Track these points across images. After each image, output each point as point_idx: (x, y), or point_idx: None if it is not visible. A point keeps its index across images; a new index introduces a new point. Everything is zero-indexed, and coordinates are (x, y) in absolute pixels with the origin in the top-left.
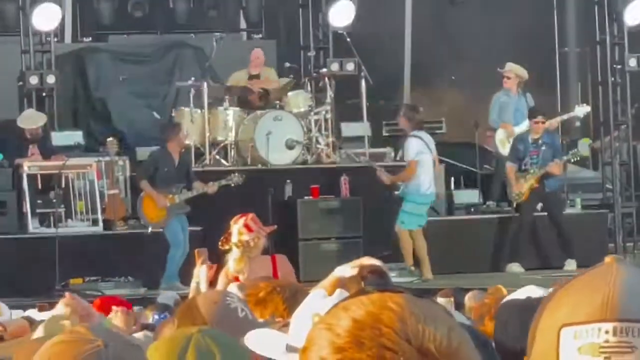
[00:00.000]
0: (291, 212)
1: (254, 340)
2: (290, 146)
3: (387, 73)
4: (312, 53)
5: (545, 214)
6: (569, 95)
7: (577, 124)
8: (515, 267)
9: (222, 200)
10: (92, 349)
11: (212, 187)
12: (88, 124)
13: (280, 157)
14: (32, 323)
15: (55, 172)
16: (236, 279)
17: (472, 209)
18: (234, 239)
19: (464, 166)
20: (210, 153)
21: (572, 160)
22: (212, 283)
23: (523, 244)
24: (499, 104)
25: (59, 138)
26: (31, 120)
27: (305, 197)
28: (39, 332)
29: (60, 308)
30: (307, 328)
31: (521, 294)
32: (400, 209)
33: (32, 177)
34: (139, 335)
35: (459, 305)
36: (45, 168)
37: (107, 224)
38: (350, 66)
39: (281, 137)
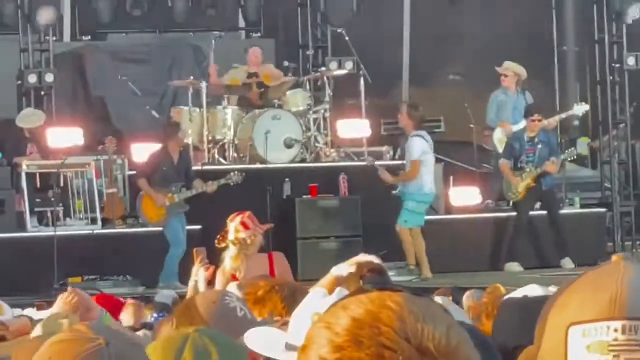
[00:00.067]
0: (290, 211)
1: (253, 338)
2: (288, 145)
3: (386, 72)
4: (310, 52)
5: (544, 212)
6: (568, 94)
7: (576, 122)
8: (513, 266)
9: (221, 199)
10: (93, 347)
11: (211, 186)
12: (86, 123)
13: (278, 155)
14: (32, 322)
15: (53, 171)
16: (233, 276)
17: (470, 208)
18: (231, 236)
19: (462, 165)
20: (209, 152)
21: (569, 159)
22: (210, 282)
23: (521, 243)
24: (496, 102)
25: (57, 137)
26: (30, 119)
27: (304, 196)
28: (37, 331)
29: (60, 304)
30: (307, 327)
31: (522, 292)
32: (402, 208)
33: (30, 176)
34: (137, 334)
35: (457, 304)
36: (43, 167)
37: (106, 223)
38: (348, 65)
39: (280, 136)
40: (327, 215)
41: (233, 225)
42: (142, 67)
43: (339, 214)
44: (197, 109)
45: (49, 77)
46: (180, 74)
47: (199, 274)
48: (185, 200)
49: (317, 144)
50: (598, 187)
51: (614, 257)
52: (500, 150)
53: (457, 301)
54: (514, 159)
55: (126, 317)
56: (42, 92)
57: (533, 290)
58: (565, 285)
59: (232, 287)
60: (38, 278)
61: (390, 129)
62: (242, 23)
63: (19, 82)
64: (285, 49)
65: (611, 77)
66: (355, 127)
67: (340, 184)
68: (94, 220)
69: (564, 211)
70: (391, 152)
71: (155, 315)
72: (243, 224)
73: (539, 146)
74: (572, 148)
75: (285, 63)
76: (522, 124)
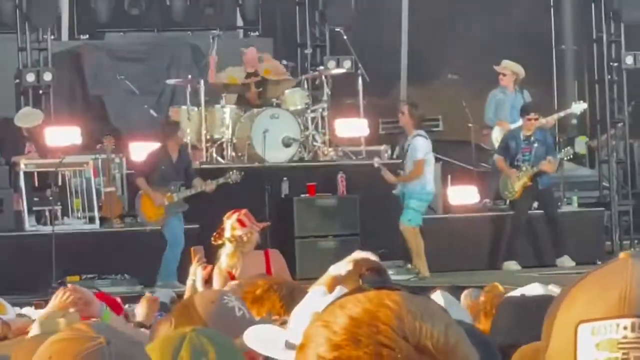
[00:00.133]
0: (288, 210)
1: (253, 337)
2: (287, 144)
3: (384, 71)
4: (309, 51)
5: (542, 211)
6: (566, 93)
7: (574, 121)
8: (511, 265)
9: (219, 197)
10: (94, 346)
11: (210, 185)
12: (84, 122)
13: (277, 154)
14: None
15: (51, 170)
16: (230, 274)
17: (468, 207)
18: (227, 234)
19: (460, 164)
20: (207, 151)
21: (566, 158)
22: (207, 281)
23: (519, 242)
24: (495, 101)
25: (55, 136)
26: (28, 119)
27: (302, 195)
28: (34, 330)
29: (54, 303)
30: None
31: (523, 291)
32: (406, 207)
33: (28, 175)
34: (141, 331)
35: None
36: (41, 166)
37: (104, 222)
38: (347, 64)
39: (278, 135)
40: (325, 214)
41: (229, 222)
42: (140, 66)
43: (337, 213)
44: (195, 108)
45: (47, 76)
46: (178, 73)
47: (196, 273)
48: (185, 200)
49: (315, 143)
50: (596, 186)
51: (621, 255)
52: None
53: None
54: (510, 158)
55: (140, 310)
56: (41, 91)
57: (533, 289)
58: (572, 283)
59: (231, 286)
60: (36, 277)
61: (388, 128)
62: (240, 22)
63: (17, 81)
64: (283, 48)
65: (609, 76)
66: (353, 126)
67: (338, 183)
68: (92, 219)
69: (562, 210)
70: (389, 152)
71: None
72: (239, 221)
73: (535, 145)
74: (569, 147)
75: (284, 62)
76: (520, 122)
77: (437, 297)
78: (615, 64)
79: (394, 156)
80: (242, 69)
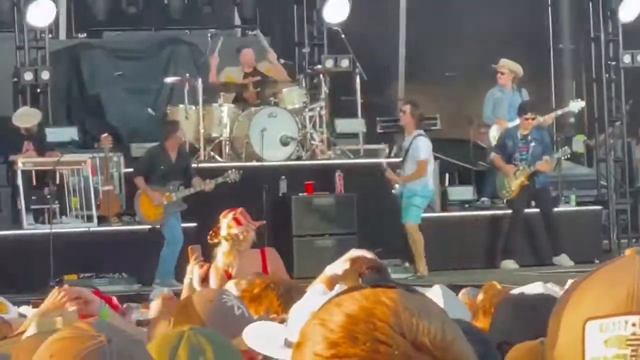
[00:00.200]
0: (285, 209)
1: (252, 334)
2: (284, 142)
3: (382, 69)
4: (306, 49)
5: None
6: (564, 92)
7: (572, 120)
8: (509, 264)
9: (217, 196)
10: (95, 344)
11: (208, 185)
12: (82, 120)
13: (274, 153)
14: None
15: (49, 169)
16: (226, 272)
17: (466, 206)
18: (223, 232)
19: (458, 162)
20: (204, 149)
21: (563, 158)
22: (204, 280)
23: (517, 241)
24: (492, 100)
25: (53, 134)
26: (26, 118)
27: (300, 194)
28: (31, 330)
29: (48, 303)
30: None
31: (526, 290)
32: (409, 205)
33: (26, 174)
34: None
35: None
36: (39, 164)
37: (102, 220)
38: (344, 62)
39: (276, 134)
40: (322, 213)
41: (225, 221)
42: (137, 65)
43: (334, 212)
44: (193, 107)
45: (45, 75)
46: (176, 71)
47: (193, 271)
48: (183, 199)
49: (313, 142)
50: (594, 184)
51: (627, 252)
52: None
53: None
54: (507, 157)
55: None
56: (38, 90)
57: (535, 288)
58: (578, 281)
59: (230, 286)
60: (34, 275)
61: (386, 127)
62: (237, 21)
63: (15, 79)
64: (281, 46)
65: (607, 75)
66: (351, 125)
67: (336, 181)
68: (89, 218)
69: (560, 209)
70: (387, 150)
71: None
72: (235, 220)
73: (532, 144)
74: (566, 147)
75: (281, 61)
76: (518, 121)
77: (436, 290)
78: (613, 63)
79: (392, 154)
80: (240, 69)
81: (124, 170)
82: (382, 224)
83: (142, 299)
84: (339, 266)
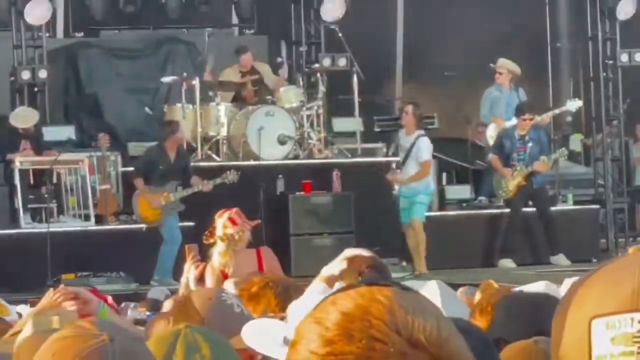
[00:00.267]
0: (283, 208)
1: (251, 332)
2: (282, 141)
3: (379, 68)
4: (304, 48)
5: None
6: (561, 90)
7: (569, 119)
8: (507, 263)
9: (214, 195)
10: (98, 343)
11: (207, 186)
12: (80, 119)
13: (272, 152)
14: None
15: (47, 168)
16: (222, 272)
17: (464, 205)
18: (219, 232)
19: (456, 161)
20: (202, 148)
21: (562, 159)
22: (200, 280)
23: (515, 240)
24: (490, 99)
25: (50, 133)
26: (23, 119)
27: (297, 193)
28: (27, 329)
29: (44, 303)
30: None
31: (529, 288)
32: (414, 203)
33: (24, 173)
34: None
35: None
36: (37, 163)
37: (99, 219)
38: (342, 61)
39: (273, 133)
40: (320, 212)
41: (221, 221)
42: (135, 64)
43: (332, 211)
44: (190, 106)
45: (43, 74)
46: (173, 70)
47: (190, 271)
48: (181, 200)
49: (310, 141)
50: (591, 184)
51: (630, 249)
52: None
53: None
54: (505, 157)
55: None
56: (36, 89)
57: (538, 287)
58: (581, 280)
59: (228, 284)
60: (31, 275)
61: (383, 126)
62: (235, 20)
63: (12, 78)
64: (278, 45)
65: (604, 74)
66: (348, 124)
67: (333, 180)
68: (87, 217)
69: (557, 208)
70: (384, 149)
71: (148, 313)
72: (231, 219)
73: (530, 144)
74: (563, 148)
75: (279, 59)
76: (514, 121)
77: (433, 286)
78: (611, 62)
79: (389, 153)
80: (237, 68)
81: (121, 169)
82: (380, 222)
83: (140, 298)
84: (335, 267)
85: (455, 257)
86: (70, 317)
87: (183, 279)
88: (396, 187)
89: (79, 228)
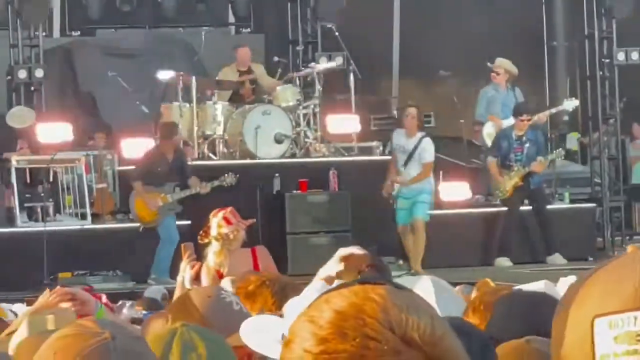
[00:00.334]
0: (280, 206)
1: (249, 330)
2: (278, 140)
3: (376, 67)
4: (300, 47)
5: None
6: (558, 89)
7: (566, 118)
8: (504, 261)
9: (211, 195)
10: (99, 341)
11: (204, 188)
12: (76, 118)
13: (268, 151)
14: None
15: (43, 166)
16: (217, 272)
17: (461, 203)
18: (214, 232)
19: (452, 160)
20: (198, 147)
21: (558, 159)
22: (196, 279)
23: (512, 238)
24: (486, 98)
25: (47, 132)
26: (20, 119)
27: (294, 191)
28: (22, 330)
29: (40, 302)
30: None
31: (530, 287)
32: (418, 202)
33: (20, 171)
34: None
35: None
36: (33, 162)
37: (96, 218)
38: (338, 60)
39: (270, 131)
40: (317, 210)
41: (215, 220)
42: (131, 63)
43: (329, 209)
44: (187, 105)
45: (39, 73)
46: (170, 69)
47: (185, 270)
48: (179, 201)
49: (307, 140)
50: (588, 182)
51: (629, 248)
52: (490, 145)
53: None
54: (502, 158)
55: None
56: (32, 88)
57: (538, 286)
58: (581, 279)
59: (225, 283)
60: (28, 274)
61: (380, 125)
62: (232, 19)
63: (9, 77)
64: (275, 44)
65: (601, 73)
66: (345, 123)
67: (330, 179)
68: (83, 216)
69: (553, 206)
70: (381, 147)
71: (144, 312)
72: (225, 219)
73: (527, 145)
74: (560, 148)
75: (275, 58)
76: (511, 121)
77: (427, 282)
78: (607, 61)
79: (386, 152)
80: (235, 66)
81: (117, 168)
82: (377, 221)
83: (137, 297)
84: (332, 267)
85: (451, 255)
86: (65, 316)
87: (179, 278)
88: (396, 187)
89: (75, 227)
